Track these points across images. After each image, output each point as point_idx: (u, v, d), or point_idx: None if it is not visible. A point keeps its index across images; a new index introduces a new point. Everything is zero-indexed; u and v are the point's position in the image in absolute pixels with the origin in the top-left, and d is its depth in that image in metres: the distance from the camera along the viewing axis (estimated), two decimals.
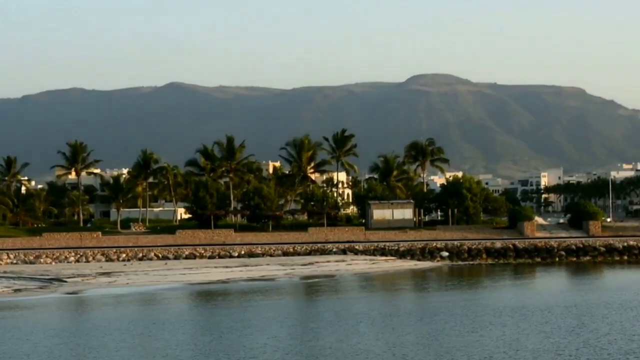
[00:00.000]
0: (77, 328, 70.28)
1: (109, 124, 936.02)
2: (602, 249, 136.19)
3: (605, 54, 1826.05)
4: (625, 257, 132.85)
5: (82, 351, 56.15)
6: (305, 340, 63.81)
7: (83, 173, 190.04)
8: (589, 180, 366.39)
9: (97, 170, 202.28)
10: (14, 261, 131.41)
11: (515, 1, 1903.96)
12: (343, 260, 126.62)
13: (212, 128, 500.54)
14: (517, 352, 51.29)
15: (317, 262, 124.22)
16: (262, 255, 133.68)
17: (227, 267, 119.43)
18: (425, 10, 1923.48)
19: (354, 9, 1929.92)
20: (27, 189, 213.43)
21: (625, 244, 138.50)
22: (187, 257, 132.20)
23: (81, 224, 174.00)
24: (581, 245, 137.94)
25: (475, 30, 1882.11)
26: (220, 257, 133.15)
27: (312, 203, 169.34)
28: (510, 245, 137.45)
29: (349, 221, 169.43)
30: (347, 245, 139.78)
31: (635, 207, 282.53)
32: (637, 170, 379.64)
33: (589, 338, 57.41)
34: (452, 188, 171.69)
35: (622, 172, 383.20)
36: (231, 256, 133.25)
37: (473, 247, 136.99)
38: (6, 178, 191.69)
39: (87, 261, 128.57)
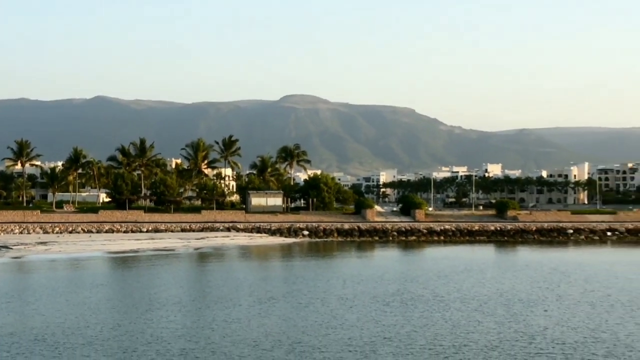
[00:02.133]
0: (19, 285, 69.77)
1: (48, 126, 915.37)
2: (425, 231, 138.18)
3: (430, 83, 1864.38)
4: (442, 238, 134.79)
5: (22, 303, 56.18)
6: (196, 290, 65.31)
7: (27, 164, 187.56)
8: (416, 179, 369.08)
9: (38, 163, 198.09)
10: None
11: (365, 37, 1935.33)
12: (227, 236, 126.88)
13: (129, 132, 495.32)
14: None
15: (207, 237, 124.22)
16: (165, 231, 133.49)
17: (137, 239, 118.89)
18: (296, 41, 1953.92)
19: (241, 39, 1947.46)
20: None
21: (442, 227, 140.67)
22: (106, 232, 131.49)
23: (24, 204, 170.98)
24: (409, 228, 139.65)
25: (333, 59, 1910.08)
26: (132, 232, 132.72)
27: (204, 192, 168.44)
28: (356, 227, 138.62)
29: (233, 206, 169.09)
30: (231, 224, 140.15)
31: (450, 200, 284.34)
32: (452, 172, 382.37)
33: (405, 294, 58.70)
34: (313, 182, 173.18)
35: (442, 173, 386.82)
36: (141, 231, 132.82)
37: (327, 227, 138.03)
38: None
39: (29, 233, 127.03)
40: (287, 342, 43.38)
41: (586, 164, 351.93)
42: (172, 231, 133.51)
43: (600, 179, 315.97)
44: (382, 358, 38.75)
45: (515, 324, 47.39)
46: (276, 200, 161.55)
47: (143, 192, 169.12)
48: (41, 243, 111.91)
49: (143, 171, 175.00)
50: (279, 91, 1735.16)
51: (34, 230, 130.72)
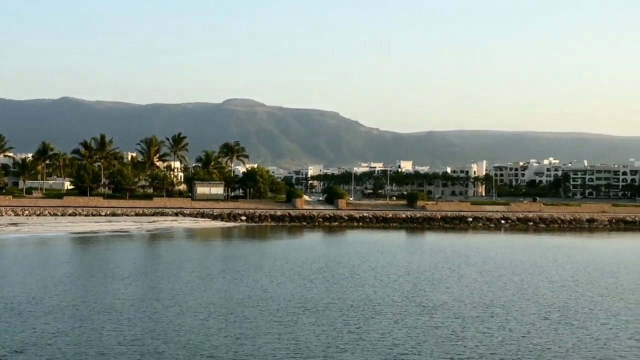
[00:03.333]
0: None
1: (20, 122, 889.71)
2: (346, 217, 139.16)
3: (353, 89, 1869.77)
4: (361, 224, 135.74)
5: None
6: (146, 267, 65.31)
7: (1, 155, 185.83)
8: (339, 173, 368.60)
9: (11, 154, 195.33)
10: None
11: (297, 47, 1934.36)
12: (175, 220, 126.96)
13: (91, 129, 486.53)
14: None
15: (158, 221, 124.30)
16: (121, 215, 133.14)
17: (97, 222, 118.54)
18: (237, 50, 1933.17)
19: (190, 49, 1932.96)
20: None
21: (361, 215, 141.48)
22: (70, 215, 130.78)
23: None
24: (333, 215, 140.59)
25: (269, 67, 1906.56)
26: (92, 215, 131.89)
27: (156, 181, 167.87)
28: (287, 214, 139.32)
29: (180, 194, 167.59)
30: (178, 210, 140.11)
31: (368, 191, 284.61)
32: (370, 167, 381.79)
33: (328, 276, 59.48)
34: (250, 174, 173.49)
35: (361, 169, 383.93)
36: (100, 215, 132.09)
37: (262, 214, 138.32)
38: None
39: (1, 215, 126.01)
40: (223, 312, 43.81)
41: (484, 162, 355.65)
42: (127, 215, 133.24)
43: (496, 175, 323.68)
44: (303, 327, 39.14)
45: (419, 299, 47.99)
46: (218, 190, 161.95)
47: (102, 181, 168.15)
48: (12, 224, 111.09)
49: (103, 163, 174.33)
50: (222, 95, 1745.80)
51: (6, 213, 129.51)
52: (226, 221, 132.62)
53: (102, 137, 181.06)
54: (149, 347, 34.32)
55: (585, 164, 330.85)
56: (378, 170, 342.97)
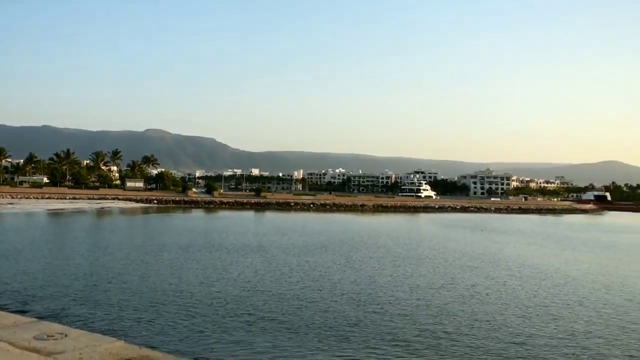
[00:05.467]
0: None
1: (14, 140, 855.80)
2: (218, 202, 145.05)
3: (224, 121, 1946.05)
4: (228, 206, 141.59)
5: None
6: (93, 226, 66.98)
7: (3, 161, 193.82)
8: (215, 175, 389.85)
9: (10, 160, 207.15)
10: None
11: (190, 84, 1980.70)
12: (114, 202, 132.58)
13: (61, 146, 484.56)
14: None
15: (102, 202, 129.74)
16: (80, 199, 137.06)
17: (64, 203, 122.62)
18: (152, 94, 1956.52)
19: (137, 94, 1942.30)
20: None
21: (228, 200, 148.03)
22: (46, 199, 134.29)
23: (1, 183, 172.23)
24: (211, 200, 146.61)
25: (174, 105, 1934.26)
26: (61, 199, 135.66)
27: (101, 178, 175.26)
28: (182, 199, 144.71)
29: (117, 186, 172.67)
30: (115, 196, 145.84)
31: (232, 187, 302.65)
32: (234, 172, 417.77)
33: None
34: (160, 175, 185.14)
35: (229, 173, 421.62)
36: (66, 199, 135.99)
37: (167, 199, 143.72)
38: None
39: (3, 198, 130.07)
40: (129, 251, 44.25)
41: (302, 170, 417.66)
42: (82, 199, 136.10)
43: (308, 177, 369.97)
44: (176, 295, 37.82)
45: (267, 264, 43.26)
46: (140, 184, 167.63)
47: (67, 177, 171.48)
48: (10, 204, 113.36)
49: (68, 166, 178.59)
50: (144, 124, 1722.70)
51: (5, 197, 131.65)
52: (144, 203, 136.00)
53: (67, 150, 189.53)
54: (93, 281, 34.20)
55: (360, 172, 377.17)
56: (239, 174, 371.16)
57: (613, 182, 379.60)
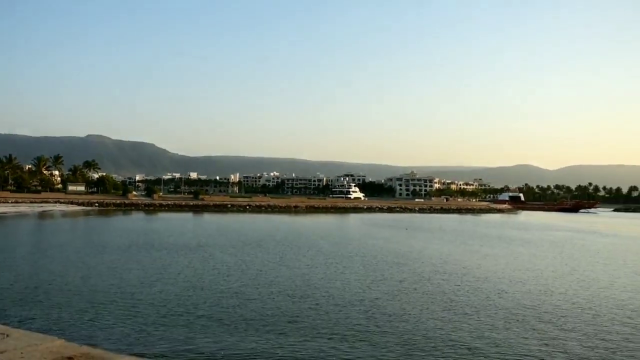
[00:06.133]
0: None
1: None
2: (158, 204, 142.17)
3: (165, 126, 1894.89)
4: (166, 208, 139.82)
5: None
6: (35, 230, 64.46)
7: None
8: (155, 178, 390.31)
9: None
10: None
11: (134, 89, 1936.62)
12: (55, 206, 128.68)
13: (3, 152, 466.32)
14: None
15: (44, 206, 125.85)
16: (22, 203, 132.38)
17: (6, 207, 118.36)
18: (94, 98, 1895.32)
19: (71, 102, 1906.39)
20: None
21: (167, 202, 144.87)
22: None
23: None
24: (150, 203, 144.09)
25: (117, 112, 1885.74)
26: (2, 202, 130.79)
27: (44, 182, 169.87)
28: (123, 202, 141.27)
29: (59, 190, 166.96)
30: (57, 199, 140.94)
31: (171, 190, 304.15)
32: (173, 175, 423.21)
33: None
34: (101, 179, 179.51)
35: (168, 176, 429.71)
36: (8, 202, 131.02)
37: (108, 202, 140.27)
38: None
39: None
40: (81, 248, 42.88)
41: (238, 174, 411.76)
42: (25, 203, 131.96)
43: (244, 180, 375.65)
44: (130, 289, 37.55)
45: (205, 263, 43.05)
46: (81, 187, 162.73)
47: (10, 182, 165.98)
48: None
49: (10, 171, 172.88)
50: (86, 129, 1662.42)
51: None
52: (86, 206, 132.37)
53: (10, 155, 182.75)
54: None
55: (294, 176, 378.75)
56: (178, 177, 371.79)
57: (526, 184, 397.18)
